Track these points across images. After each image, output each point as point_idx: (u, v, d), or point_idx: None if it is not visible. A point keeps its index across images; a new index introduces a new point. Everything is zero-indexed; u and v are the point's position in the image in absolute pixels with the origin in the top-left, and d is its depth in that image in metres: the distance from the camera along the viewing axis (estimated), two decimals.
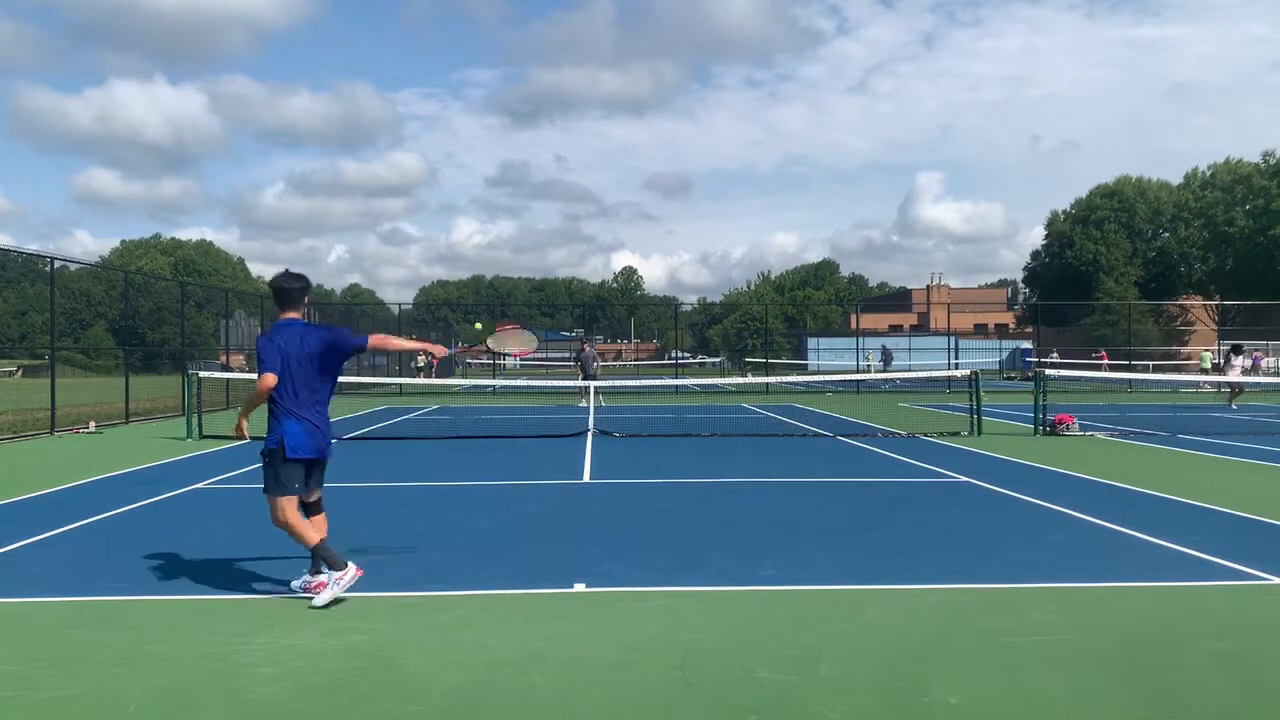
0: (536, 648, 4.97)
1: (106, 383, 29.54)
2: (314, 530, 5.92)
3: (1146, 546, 7.53)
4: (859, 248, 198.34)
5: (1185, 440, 16.21)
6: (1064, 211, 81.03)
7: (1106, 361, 44.09)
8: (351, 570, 5.75)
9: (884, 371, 43.68)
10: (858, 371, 39.77)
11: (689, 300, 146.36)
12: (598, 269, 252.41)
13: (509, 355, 7.25)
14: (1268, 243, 66.10)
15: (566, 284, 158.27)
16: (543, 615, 5.60)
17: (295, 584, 6.03)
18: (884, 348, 48.23)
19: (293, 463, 5.82)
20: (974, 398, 17.97)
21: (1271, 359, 48.01)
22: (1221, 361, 25.56)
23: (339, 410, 25.17)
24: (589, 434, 17.11)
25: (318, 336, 5.96)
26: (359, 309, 64.73)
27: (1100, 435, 17.06)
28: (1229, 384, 24.90)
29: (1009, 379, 48.34)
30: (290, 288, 6.05)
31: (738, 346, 75.50)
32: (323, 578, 5.82)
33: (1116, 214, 76.46)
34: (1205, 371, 40.87)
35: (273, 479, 5.84)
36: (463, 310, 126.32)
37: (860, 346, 46.39)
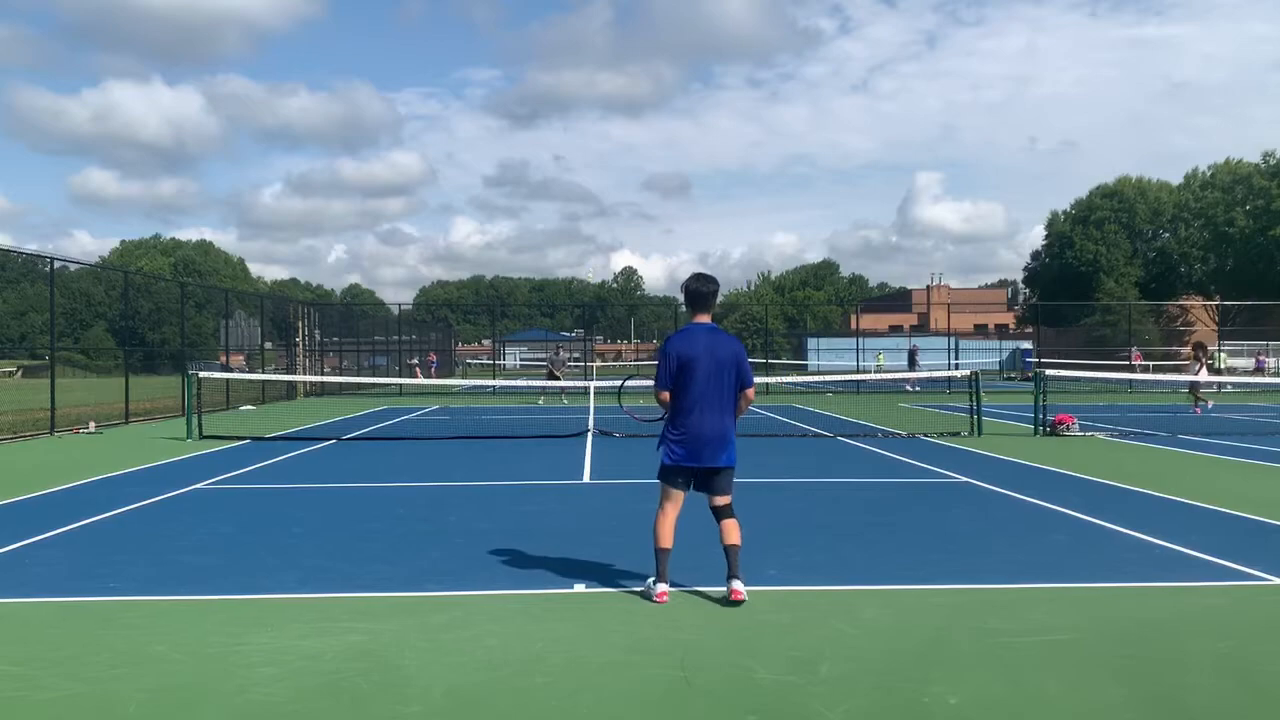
0: (536, 648, 4.97)
1: (106, 383, 29.53)
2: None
3: (1146, 546, 7.53)
4: (859, 248, 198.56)
5: (1185, 440, 16.20)
6: (1064, 212, 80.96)
7: (1140, 361, 44.17)
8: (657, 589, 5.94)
9: (909, 371, 41.88)
10: (858, 372, 39.70)
11: None
12: (597, 269, 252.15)
13: None
14: (1268, 243, 66.11)
15: (566, 284, 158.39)
16: (543, 616, 5.60)
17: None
18: (913, 346, 45.86)
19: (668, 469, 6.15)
20: (974, 398, 17.99)
21: (1272, 359, 48.00)
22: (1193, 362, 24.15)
23: (339, 410, 25.17)
24: (589, 434, 17.11)
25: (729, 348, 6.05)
26: (359, 309, 64.64)
27: (1100, 435, 17.05)
28: (1192, 384, 23.70)
29: (1009, 379, 48.31)
30: (704, 291, 6.08)
31: None
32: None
33: (1117, 214, 76.39)
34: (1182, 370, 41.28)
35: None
36: (462, 310, 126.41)
37: (860, 347, 46.21)
